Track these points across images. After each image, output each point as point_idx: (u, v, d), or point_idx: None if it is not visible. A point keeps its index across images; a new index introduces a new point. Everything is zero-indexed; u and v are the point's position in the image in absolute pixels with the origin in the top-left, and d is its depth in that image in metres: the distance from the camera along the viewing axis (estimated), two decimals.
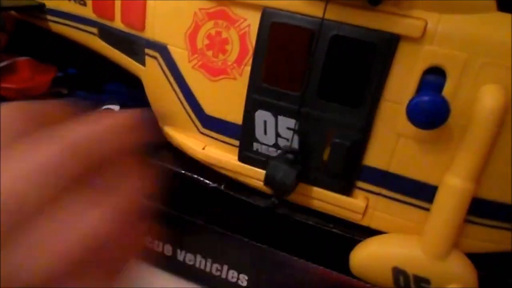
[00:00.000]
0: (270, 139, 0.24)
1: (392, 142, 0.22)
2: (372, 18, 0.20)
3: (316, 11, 0.21)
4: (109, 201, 0.14)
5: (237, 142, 0.25)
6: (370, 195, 0.24)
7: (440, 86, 0.20)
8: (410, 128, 0.20)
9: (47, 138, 0.13)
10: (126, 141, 0.16)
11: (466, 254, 0.22)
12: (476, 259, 0.22)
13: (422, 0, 0.20)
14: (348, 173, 0.23)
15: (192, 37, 0.24)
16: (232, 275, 0.27)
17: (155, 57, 0.26)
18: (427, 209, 0.22)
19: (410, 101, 0.19)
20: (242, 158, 0.26)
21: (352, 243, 0.24)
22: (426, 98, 0.19)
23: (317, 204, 0.25)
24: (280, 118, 0.23)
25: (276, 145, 0.24)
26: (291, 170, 0.23)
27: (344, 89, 0.22)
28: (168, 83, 0.26)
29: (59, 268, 0.12)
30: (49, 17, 0.31)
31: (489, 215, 0.22)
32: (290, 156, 0.23)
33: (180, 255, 0.28)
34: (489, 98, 0.19)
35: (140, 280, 0.28)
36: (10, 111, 0.14)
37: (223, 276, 0.27)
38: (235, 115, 0.25)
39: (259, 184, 0.25)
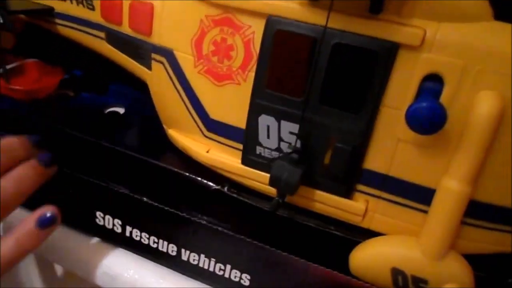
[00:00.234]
0: (273, 143, 0.25)
1: (392, 146, 0.23)
2: (373, 27, 0.21)
3: (319, 19, 0.21)
4: None
5: (240, 146, 0.26)
6: (370, 198, 0.24)
7: (438, 93, 0.21)
8: (409, 133, 0.21)
9: None
10: None
11: (463, 255, 0.23)
12: (473, 260, 0.23)
13: (421, 9, 0.20)
14: (349, 176, 0.24)
15: (198, 43, 0.25)
16: (235, 275, 0.28)
17: (161, 62, 0.27)
18: (426, 212, 0.23)
19: (409, 107, 0.20)
20: (245, 161, 0.26)
21: (352, 245, 0.25)
22: (424, 104, 0.19)
23: (318, 207, 0.26)
24: (283, 123, 0.24)
25: (278, 149, 0.25)
26: (296, 169, 0.23)
27: (345, 95, 0.22)
28: (174, 88, 0.27)
29: None
30: (57, 20, 0.32)
31: (486, 217, 0.22)
32: (294, 156, 0.24)
33: (185, 255, 0.29)
34: (485, 104, 0.19)
35: (145, 278, 0.29)
36: None
37: (226, 275, 0.28)
38: (239, 120, 0.25)
39: (262, 186, 0.26)
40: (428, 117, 0.19)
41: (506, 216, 0.22)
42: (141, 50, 0.28)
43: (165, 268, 0.30)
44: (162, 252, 0.29)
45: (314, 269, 0.26)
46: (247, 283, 0.28)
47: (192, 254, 0.28)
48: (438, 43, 0.20)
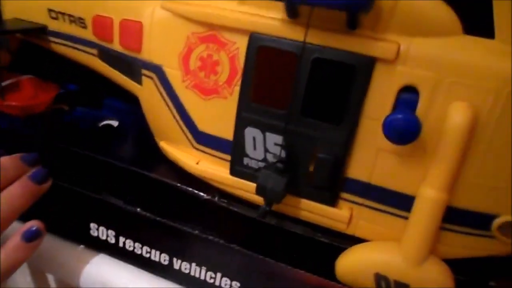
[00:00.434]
0: (259, 154, 0.26)
1: (372, 156, 0.23)
2: (350, 42, 0.22)
3: (298, 35, 0.22)
4: None
5: (228, 157, 0.27)
6: (354, 206, 0.25)
7: (414, 104, 0.22)
8: (388, 143, 0.22)
9: None
10: None
11: (444, 260, 0.23)
12: (454, 264, 0.23)
13: (395, 24, 0.21)
14: (333, 185, 0.25)
15: (185, 59, 0.26)
16: (225, 283, 0.28)
17: (151, 77, 0.28)
18: (407, 218, 0.24)
19: (385, 118, 0.21)
20: (233, 172, 0.27)
21: (339, 251, 0.26)
22: (399, 116, 0.20)
23: (305, 215, 0.26)
24: (268, 134, 0.25)
25: (265, 160, 0.26)
26: (281, 178, 0.24)
27: (326, 107, 0.23)
28: (164, 102, 0.28)
29: None
30: (51, 38, 0.33)
31: (464, 223, 0.23)
32: (280, 165, 0.25)
33: (176, 264, 0.29)
34: (457, 115, 0.20)
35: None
36: None
37: (217, 283, 0.29)
38: (227, 132, 0.26)
39: (251, 196, 0.27)
40: (403, 128, 0.20)
41: (483, 221, 0.23)
42: (132, 66, 0.29)
43: (157, 277, 0.30)
44: (154, 261, 0.30)
45: (302, 276, 0.27)
46: None
47: (184, 263, 0.29)
48: (411, 56, 0.21)
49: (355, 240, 0.26)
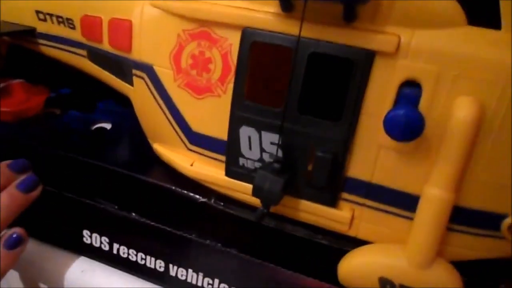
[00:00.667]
0: (255, 154, 0.25)
1: (374, 153, 0.22)
2: (348, 35, 0.21)
3: (293, 29, 0.21)
4: None
5: (223, 158, 0.26)
6: (356, 206, 0.24)
7: (416, 99, 0.20)
8: (389, 140, 0.21)
9: None
10: None
11: (451, 262, 0.22)
12: (462, 266, 0.22)
13: (395, 16, 0.20)
14: (333, 185, 0.24)
15: (176, 57, 0.25)
16: None
17: (142, 77, 0.27)
18: (411, 218, 0.22)
19: (387, 114, 0.20)
20: (229, 173, 0.26)
21: (341, 254, 0.25)
22: (401, 111, 0.19)
23: (304, 217, 0.25)
24: (263, 133, 0.24)
25: (261, 160, 0.25)
26: (278, 179, 0.23)
27: (324, 104, 0.22)
28: (156, 102, 0.27)
29: None
30: (40, 40, 0.32)
31: (472, 223, 0.22)
32: (276, 165, 0.24)
33: (173, 270, 0.28)
34: (462, 111, 0.19)
35: None
36: None
37: None
38: (221, 132, 0.25)
39: (247, 198, 0.26)
40: (405, 124, 0.19)
41: (492, 221, 0.21)
42: (122, 67, 0.28)
43: (153, 284, 0.29)
44: (150, 268, 0.29)
45: (303, 281, 0.26)
46: None
47: (180, 269, 0.28)
48: (413, 49, 0.20)
49: (358, 242, 0.25)
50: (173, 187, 0.28)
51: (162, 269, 0.29)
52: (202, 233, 0.27)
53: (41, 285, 0.31)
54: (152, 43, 0.26)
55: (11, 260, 0.24)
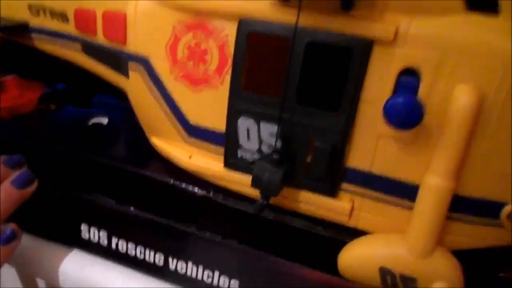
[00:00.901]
0: (254, 145, 0.24)
1: (373, 143, 0.22)
2: (345, 24, 0.20)
3: (290, 18, 0.21)
4: None
5: (222, 150, 0.26)
6: (355, 197, 0.24)
7: (415, 87, 0.20)
8: (389, 129, 0.21)
9: None
10: None
11: (451, 251, 0.22)
12: (462, 255, 0.22)
13: (393, 3, 0.20)
14: (332, 175, 0.24)
15: (172, 48, 0.25)
16: (224, 281, 0.27)
17: (138, 70, 0.27)
18: (411, 208, 0.22)
19: (386, 102, 0.20)
20: (227, 165, 0.26)
21: (341, 245, 0.25)
22: (400, 99, 0.19)
23: (304, 208, 0.25)
24: (262, 124, 0.24)
25: (260, 151, 0.25)
26: (277, 170, 0.23)
27: (322, 93, 0.22)
28: (152, 95, 0.27)
29: None
30: (34, 35, 0.31)
31: (472, 212, 0.22)
32: (275, 156, 0.23)
33: (172, 264, 0.28)
34: (462, 98, 0.19)
35: None
36: None
37: (215, 282, 0.28)
38: (219, 123, 0.25)
39: (246, 190, 0.26)
40: (404, 112, 0.19)
41: (492, 210, 0.21)
42: (118, 59, 0.28)
43: (153, 279, 0.29)
44: (149, 262, 0.29)
45: (303, 272, 0.26)
46: None
47: (179, 262, 0.28)
48: (411, 37, 0.20)
49: (358, 233, 0.25)
50: (172, 181, 0.28)
51: (161, 263, 0.29)
52: (202, 226, 0.27)
53: (39, 280, 0.31)
54: (148, 34, 0.25)
55: (4, 255, 0.24)
